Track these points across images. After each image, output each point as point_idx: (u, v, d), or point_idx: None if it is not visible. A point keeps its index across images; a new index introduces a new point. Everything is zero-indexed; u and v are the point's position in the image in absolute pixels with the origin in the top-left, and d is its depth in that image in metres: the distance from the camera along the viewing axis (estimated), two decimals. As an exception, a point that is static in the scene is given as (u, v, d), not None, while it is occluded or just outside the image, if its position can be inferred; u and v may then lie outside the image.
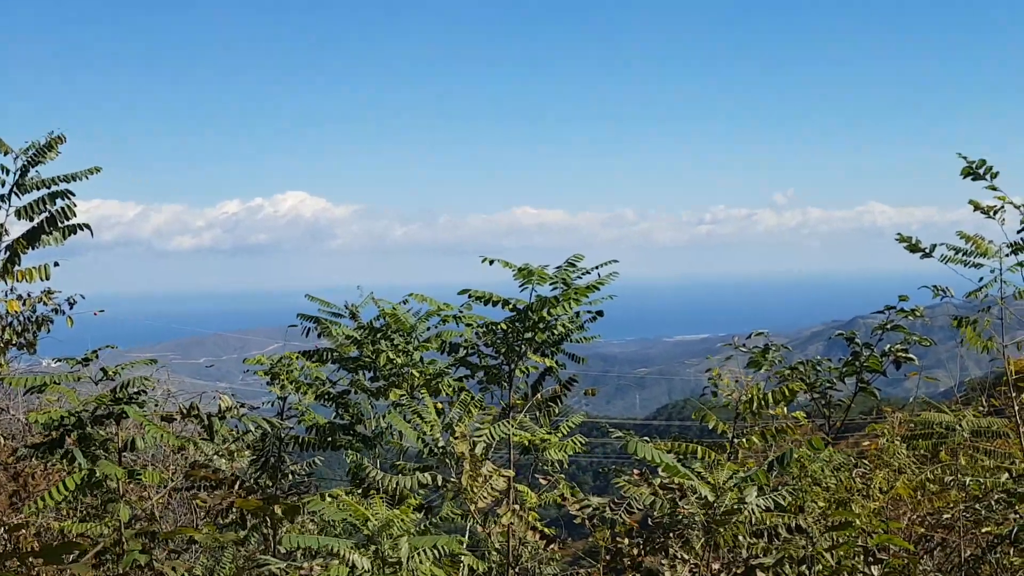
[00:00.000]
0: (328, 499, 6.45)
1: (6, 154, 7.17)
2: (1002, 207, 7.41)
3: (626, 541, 5.86)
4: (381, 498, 5.48)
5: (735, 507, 5.42)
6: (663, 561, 5.44)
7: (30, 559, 6.64)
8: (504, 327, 9.22)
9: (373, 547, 5.29)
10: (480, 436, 6.79)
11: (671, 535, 5.53)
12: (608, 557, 5.98)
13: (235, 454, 9.97)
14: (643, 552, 5.49)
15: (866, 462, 9.16)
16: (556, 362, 9.81)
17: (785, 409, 9.50)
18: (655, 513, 5.70)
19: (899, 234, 7.88)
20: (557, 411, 10.03)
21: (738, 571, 5.46)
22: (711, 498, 5.43)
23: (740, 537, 5.55)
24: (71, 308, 9.94)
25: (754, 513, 5.46)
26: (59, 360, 8.51)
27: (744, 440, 8.02)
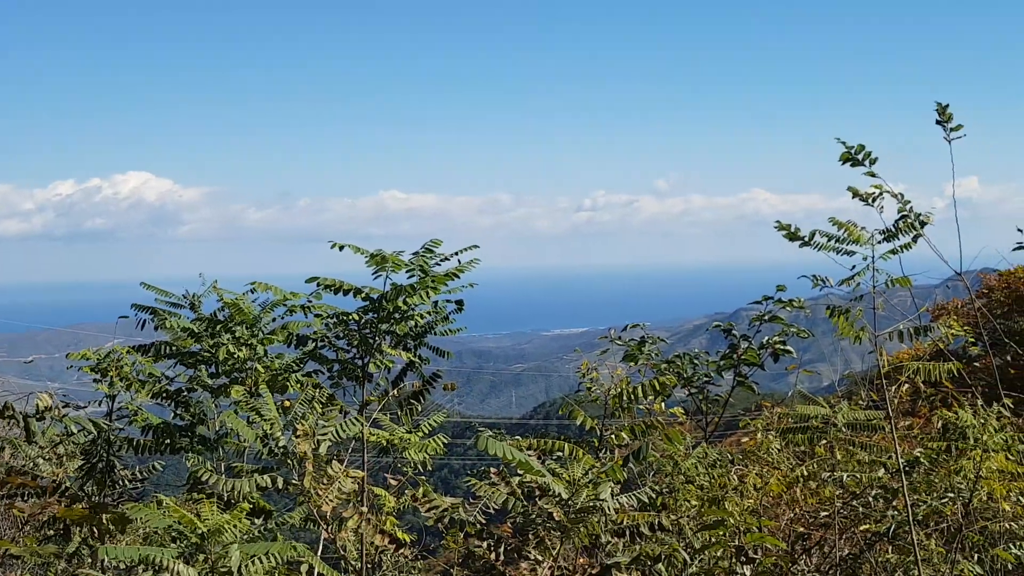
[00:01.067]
0: (154, 505, 6.33)
1: None
2: (880, 195, 7.66)
3: (484, 544, 5.89)
4: (212, 503, 5.39)
5: (591, 505, 5.50)
6: (522, 564, 5.49)
7: None
8: (356, 318, 9.15)
9: (202, 556, 5.21)
10: (325, 435, 6.73)
11: (528, 536, 5.58)
12: (460, 561, 6.02)
13: (64, 459, 9.70)
14: (499, 555, 5.53)
15: (742, 459, 9.37)
16: (419, 356, 9.78)
17: (663, 405, 9.68)
18: (510, 513, 5.75)
19: (778, 222, 8.07)
20: (420, 409, 10.00)
21: (593, 572, 5.55)
22: (565, 495, 5.50)
23: (603, 536, 5.64)
24: None
25: (609, 511, 5.54)
26: None
27: (613, 436, 8.15)
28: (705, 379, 11.38)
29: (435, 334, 9.80)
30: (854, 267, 7.49)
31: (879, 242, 7.52)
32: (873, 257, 7.50)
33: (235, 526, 5.33)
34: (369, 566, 8.30)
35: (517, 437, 9.01)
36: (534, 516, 5.56)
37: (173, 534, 5.47)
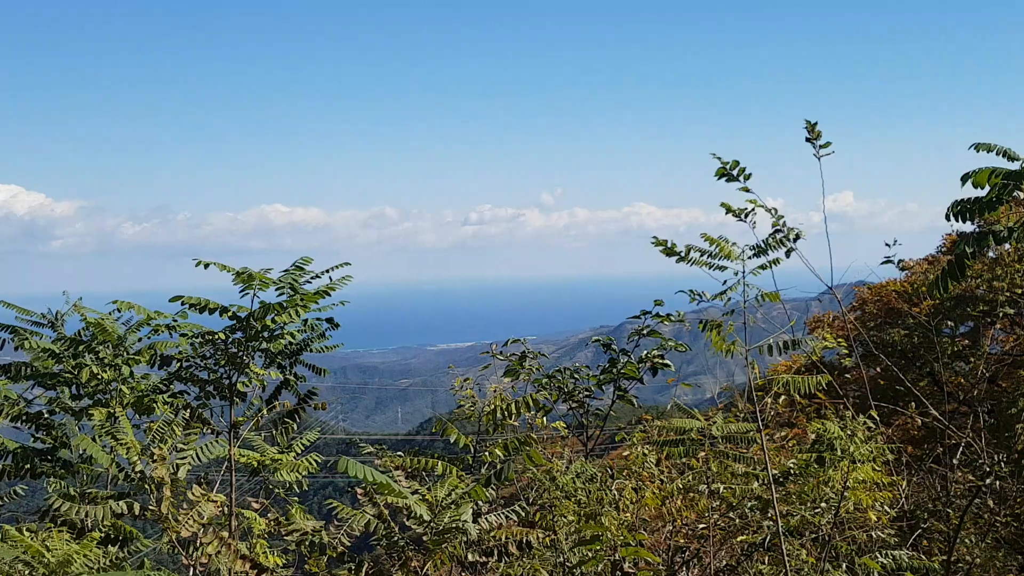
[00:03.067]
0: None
1: None
2: (752, 210, 7.81)
3: (345, 569, 5.86)
4: (60, 531, 5.24)
5: (453, 525, 5.49)
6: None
7: None
8: (224, 336, 9.01)
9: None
10: (184, 458, 6.61)
11: (392, 558, 5.56)
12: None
13: None
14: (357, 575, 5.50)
15: (623, 473, 9.43)
16: (294, 374, 9.66)
17: (544, 420, 9.71)
18: (373, 536, 5.70)
19: (655, 237, 8.19)
20: (296, 428, 9.88)
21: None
22: (426, 517, 5.48)
23: (470, 555, 5.63)
24: None
25: (471, 532, 5.54)
26: None
27: (487, 453, 8.16)
28: (586, 393, 11.46)
29: (311, 351, 9.71)
30: (726, 282, 7.64)
31: (750, 257, 7.67)
32: (743, 272, 7.65)
33: (85, 556, 5.18)
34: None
35: (399, 454, 8.97)
36: (396, 539, 5.53)
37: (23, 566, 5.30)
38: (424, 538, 5.51)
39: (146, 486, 6.42)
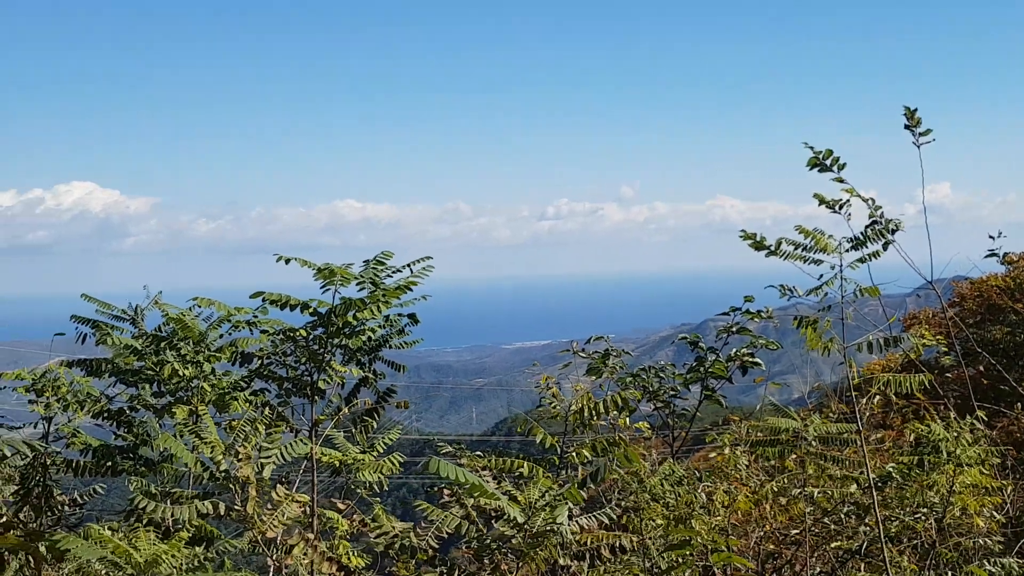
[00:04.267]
0: (65, 536, 6.21)
1: None
2: (847, 201, 7.66)
3: (436, 573, 5.85)
4: (147, 531, 5.30)
5: (548, 528, 5.45)
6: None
7: None
8: (304, 333, 9.07)
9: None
10: (269, 457, 6.65)
11: (482, 561, 5.52)
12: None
13: (-1, 483, 9.54)
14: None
15: (713, 476, 9.34)
16: (373, 372, 9.71)
17: (627, 420, 9.65)
18: (467, 538, 5.68)
19: (743, 231, 8.07)
20: (375, 426, 9.93)
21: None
22: (520, 519, 5.43)
23: (561, 559, 5.59)
24: None
25: (567, 534, 5.49)
26: None
27: (574, 454, 8.11)
28: (672, 393, 11.38)
29: (390, 348, 9.74)
30: (822, 276, 7.50)
31: (847, 250, 7.52)
32: (841, 266, 7.50)
33: (173, 556, 5.24)
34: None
35: (477, 454, 8.96)
36: (488, 541, 5.49)
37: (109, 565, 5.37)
38: (513, 541, 5.47)
39: (231, 485, 6.47)
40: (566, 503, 5.54)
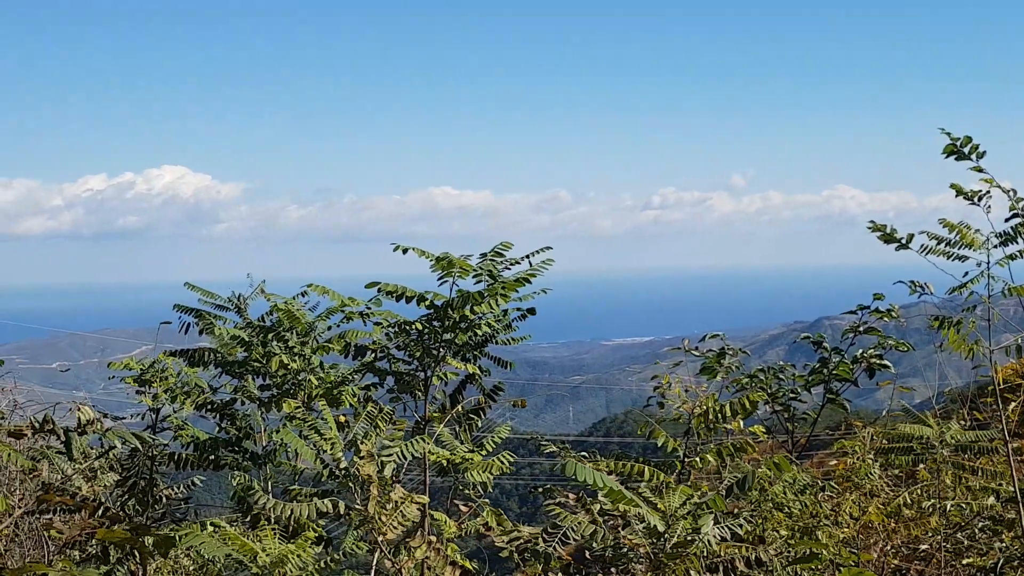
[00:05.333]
0: (208, 529, 6.31)
1: None
2: (987, 192, 7.47)
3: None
4: (273, 529, 5.37)
5: (688, 538, 5.40)
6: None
7: None
8: (420, 327, 9.10)
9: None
10: (390, 455, 6.69)
11: (614, 570, 5.49)
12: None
13: (98, 473, 9.72)
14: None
15: (834, 484, 9.22)
16: (479, 367, 9.71)
17: (742, 423, 9.56)
18: (594, 544, 5.65)
19: (872, 222, 7.94)
20: (480, 425, 9.94)
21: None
22: (661, 528, 5.40)
23: (692, 572, 5.54)
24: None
25: (709, 545, 5.44)
26: None
27: (698, 459, 8.05)
28: (791, 395, 11.25)
29: (496, 343, 9.73)
30: (966, 273, 7.34)
31: (995, 246, 7.36)
32: (988, 262, 7.34)
33: (299, 556, 5.30)
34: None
35: (583, 454, 8.94)
36: (625, 550, 5.46)
37: (229, 562, 5.45)
38: (645, 550, 5.44)
39: (350, 484, 6.53)
40: (711, 512, 5.49)
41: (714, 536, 5.44)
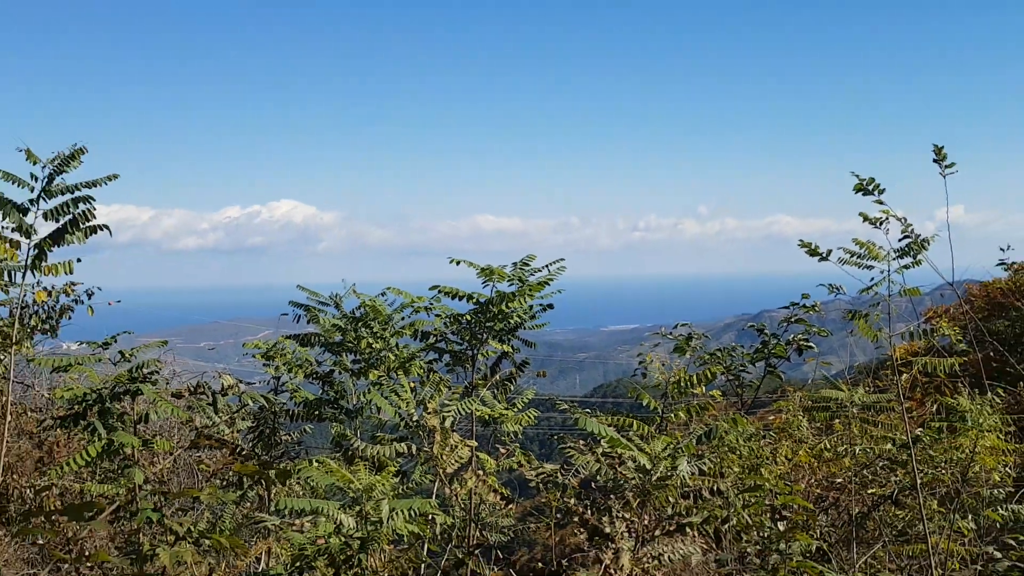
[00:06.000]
0: (314, 464, 6.36)
1: (35, 163, 6.98)
2: (887, 219, 7.51)
3: (572, 501, 5.82)
4: (364, 465, 5.40)
5: (668, 474, 5.40)
6: (605, 519, 5.40)
7: (55, 517, 6.49)
8: (469, 318, 9.17)
9: (357, 508, 5.22)
10: (449, 411, 6.72)
11: (612, 496, 5.49)
12: (559, 515, 5.95)
13: (236, 420, 9.79)
14: (590, 511, 5.46)
15: (772, 433, 9.24)
16: (511, 347, 9.77)
17: (704, 388, 9.54)
18: (599, 478, 5.65)
19: (801, 240, 7.94)
20: (511, 389, 9.99)
21: (671, 528, 5.43)
22: (648, 466, 5.40)
23: (671, 499, 5.53)
24: (89, 299, 9.75)
25: (687, 480, 5.44)
26: (81, 344, 8.36)
27: (672, 415, 8.04)
28: (741, 368, 11.26)
29: (524, 329, 9.78)
30: (872, 279, 7.37)
31: (894, 258, 7.38)
32: (889, 271, 7.36)
33: (384, 484, 5.33)
34: (473, 513, 8.25)
35: (587, 410, 8.95)
36: (622, 482, 5.46)
37: (331, 488, 5.49)
38: (635, 482, 5.43)
39: (419, 432, 6.57)
40: (684, 455, 5.48)
41: (687, 472, 5.43)
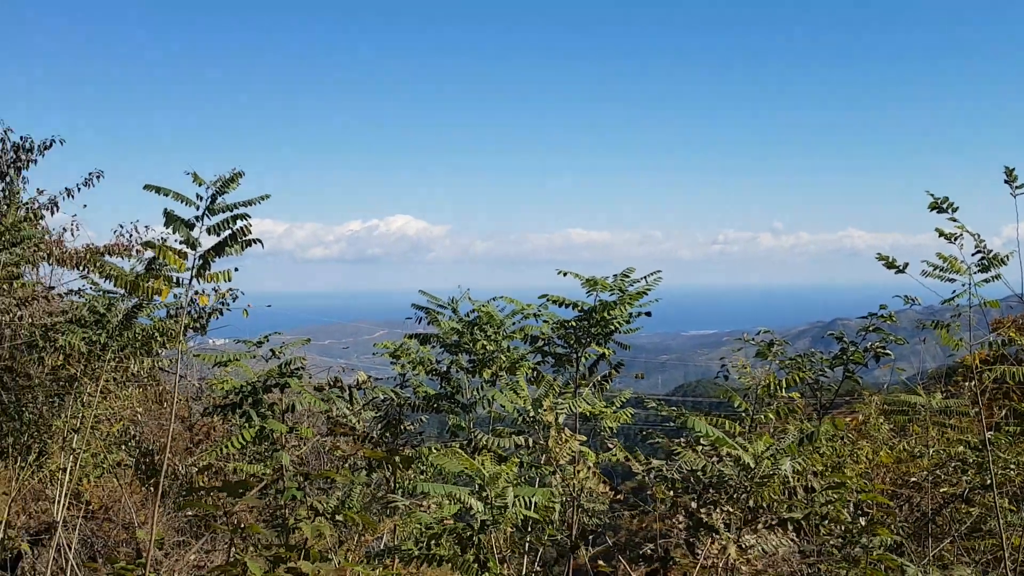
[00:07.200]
0: (434, 452, 6.43)
1: (200, 185, 7.27)
2: (960, 235, 7.29)
3: (670, 494, 5.74)
4: (490, 455, 5.43)
5: (771, 472, 5.27)
6: (709, 511, 5.29)
7: (214, 492, 6.71)
8: (574, 324, 9.16)
9: (484, 493, 5.25)
10: (563, 409, 6.72)
11: (718, 492, 5.36)
12: (666, 506, 5.86)
13: (361, 412, 9.94)
14: (698, 504, 5.36)
15: (850, 434, 9.01)
16: (609, 350, 9.73)
17: (784, 391, 9.34)
18: (702, 475, 5.54)
19: (879, 254, 7.75)
20: (607, 388, 9.94)
21: (772, 521, 5.30)
22: (752, 464, 5.29)
23: (774, 494, 5.39)
24: (233, 301, 10.05)
25: (790, 479, 5.31)
26: (226, 341, 8.63)
27: (762, 416, 7.87)
28: (820, 373, 10.96)
29: (620, 333, 9.72)
30: (954, 291, 7.13)
31: (975, 272, 7.13)
32: (971, 284, 7.11)
33: (508, 473, 5.36)
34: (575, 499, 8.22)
35: (673, 408, 8.82)
36: (727, 478, 5.36)
37: (449, 475, 5.53)
38: (740, 480, 5.30)
39: (534, 426, 6.59)
40: (787, 456, 5.35)
41: (790, 471, 5.29)
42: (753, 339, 10.94)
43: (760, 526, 5.08)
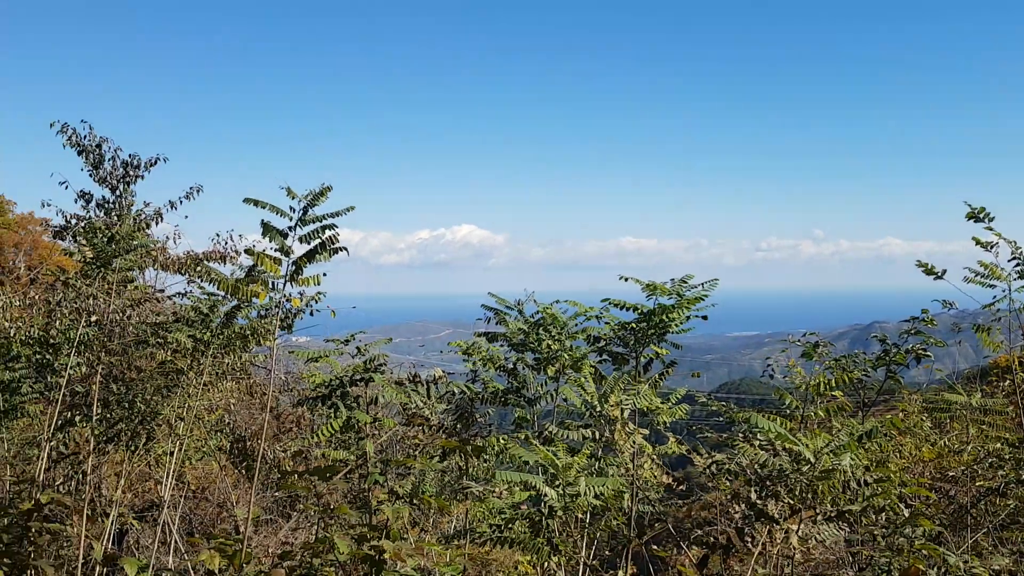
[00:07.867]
0: (510, 443, 6.49)
1: (292, 198, 7.47)
2: (996, 243, 7.11)
3: (735, 484, 5.70)
4: (563, 446, 5.47)
5: (831, 468, 5.21)
6: (771, 503, 5.23)
7: (305, 476, 6.90)
8: (634, 326, 9.16)
9: (556, 481, 5.30)
10: (627, 405, 6.74)
11: (779, 485, 5.30)
12: (728, 497, 5.83)
13: (434, 405, 10.04)
14: (760, 496, 5.31)
15: (891, 432, 8.84)
16: (663, 349, 9.68)
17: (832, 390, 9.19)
18: (763, 469, 5.49)
19: (918, 261, 7.64)
20: (660, 385, 9.88)
21: (832, 513, 5.24)
22: (812, 460, 5.23)
23: (835, 488, 5.32)
24: (316, 303, 10.24)
25: (846, 473, 5.24)
26: (327, 339, 8.79)
27: (811, 413, 7.77)
28: (864, 373, 10.74)
29: (672, 333, 9.66)
30: (995, 296, 6.97)
31: (1015, 279, 6.96)
32: (1010, 289, 6.94)
33: (579, 464, 5.39)
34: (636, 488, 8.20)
35: (722, 403, 8.74)
36: (786, 471, 5.30)
37: (519, 463, 5.57)
38: (799, 474, 5.24)
39: (600, 420, 6.62)
40: (847, 452, 5.28)
41: (848, 466, 5.22)
42: (798, 340, 10.78)
43: (820, 517, 5.02)
